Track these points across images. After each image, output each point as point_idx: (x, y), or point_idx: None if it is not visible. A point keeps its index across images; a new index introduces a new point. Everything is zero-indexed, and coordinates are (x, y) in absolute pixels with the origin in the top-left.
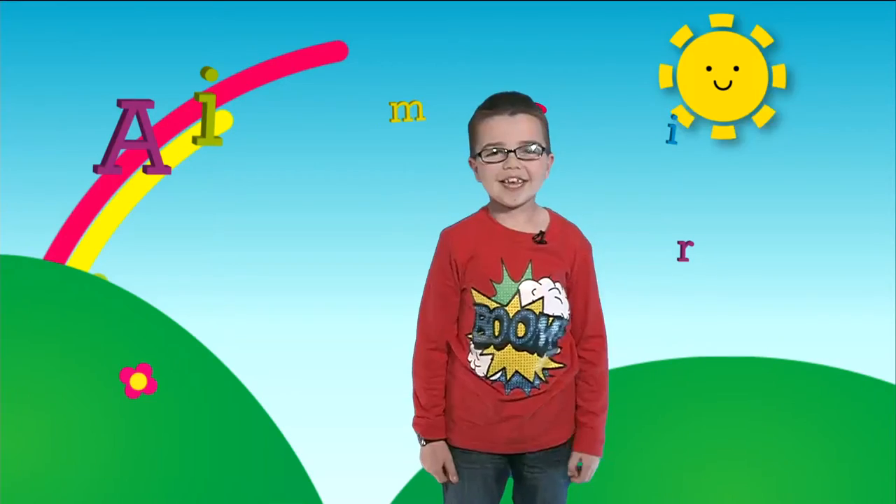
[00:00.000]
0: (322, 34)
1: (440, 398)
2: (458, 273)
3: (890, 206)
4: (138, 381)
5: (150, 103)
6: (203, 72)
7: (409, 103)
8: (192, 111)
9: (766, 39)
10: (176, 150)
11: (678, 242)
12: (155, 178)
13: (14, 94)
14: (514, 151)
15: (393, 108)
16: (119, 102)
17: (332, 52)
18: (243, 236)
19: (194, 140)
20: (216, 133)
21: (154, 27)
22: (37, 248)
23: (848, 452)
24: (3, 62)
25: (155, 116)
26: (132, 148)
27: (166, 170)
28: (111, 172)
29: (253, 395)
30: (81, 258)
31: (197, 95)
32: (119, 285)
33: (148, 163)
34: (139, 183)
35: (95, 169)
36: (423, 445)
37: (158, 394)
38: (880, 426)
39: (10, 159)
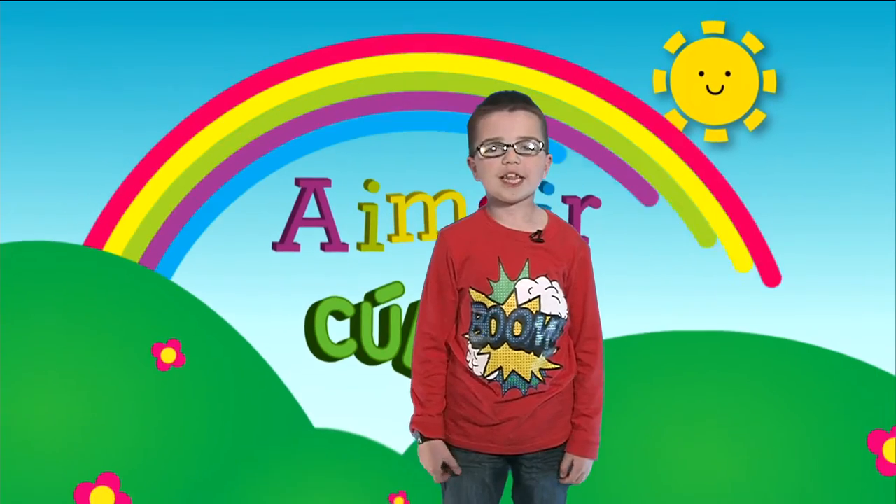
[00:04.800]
0: (322, 35)
1: (438, 397)
2: (454, 272)
3: (883, 206)
4: (168, 356)
5: (327, 182)
6: (366, 184)
7: None
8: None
9: (756, 45)
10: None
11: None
12: (180, 169)
13: (44, 93)
14: (513, 146)
15: None
16: (297, 181)
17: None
18: (263, 225)
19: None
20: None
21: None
22: (77, 235)
23: (812, 419)
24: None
25: (171, 120)
26: (309, 226)
27: (343, 247)
28: (290, 250)
29: (272, 367)
30: (117, 243)
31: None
32: (151, 268)
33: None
34: (167, 172)
35: (275, 246)
36: (420, 443)
37: (187, 367)
38: (840, 395)
39: (54, 156)
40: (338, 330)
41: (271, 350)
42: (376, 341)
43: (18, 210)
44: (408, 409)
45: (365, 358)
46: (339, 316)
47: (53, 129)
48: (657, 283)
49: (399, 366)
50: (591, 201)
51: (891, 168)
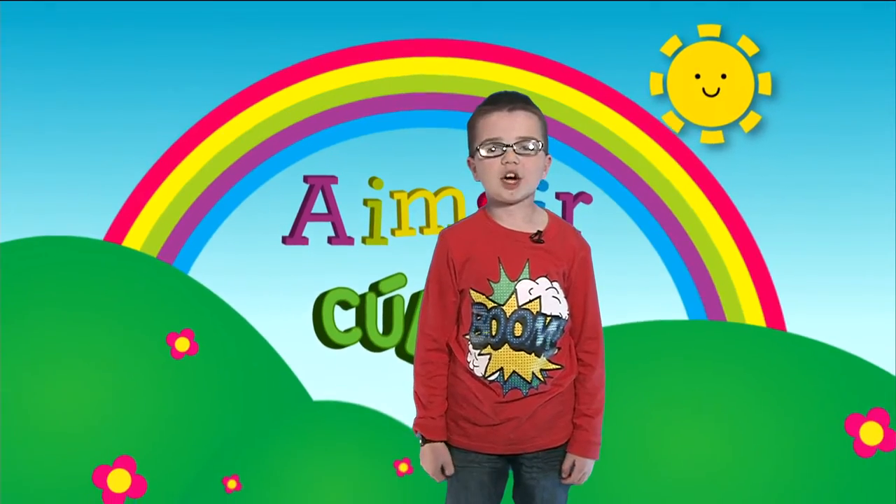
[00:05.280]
0: (327, 41)
1: (440, 399)
2: (455, 273)
3: (878, 206)
4: (182, 345)
5: (333, 179)
6: (371, 181)
7: None
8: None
9: (751, 48)
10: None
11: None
12: (195, 168)
13: (72, 94)
14: (512, 147)
15: None
16: (305, 179)
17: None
18: (273, 220)
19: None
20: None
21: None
22: (98, 230)
23: (792, 404)
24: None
25: (186, 122)
26: (317, 220)
27: (349, 241)
28: (299, 243)
29: (280, 355)
30: (135, 238)
31: (365, 202)
32: (167, 262)
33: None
34: (184, 170)
35: (284, 240)
36: (422, 445)
37: (199, 355)
38: (819, 381)
39: (75, 156)
40: (344, 319)
41: (281, 338)
42: (380, 329)
43: (43, 207)
44: (409, 392)
45: (369, 345)
46: (345, 305)
47: (75, 131)
48: (645, 279)
49: (402, 352)
50: (583, 197)
51: (889, 168)
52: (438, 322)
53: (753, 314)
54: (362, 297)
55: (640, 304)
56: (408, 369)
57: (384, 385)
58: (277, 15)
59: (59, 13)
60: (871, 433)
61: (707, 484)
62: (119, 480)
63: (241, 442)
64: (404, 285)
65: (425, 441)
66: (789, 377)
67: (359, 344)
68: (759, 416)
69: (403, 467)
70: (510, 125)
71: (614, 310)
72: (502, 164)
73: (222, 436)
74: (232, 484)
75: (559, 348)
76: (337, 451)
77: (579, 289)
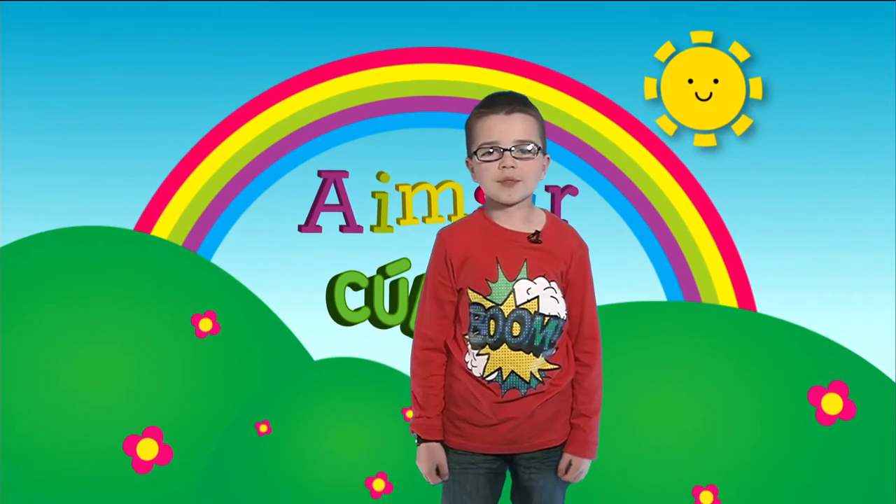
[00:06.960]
0: (339, 48)
1: (438, 398)
2: (453, 273)
3: (861, 207)
4: (205, 325)
5: (345, 174)
6: (378, 175)
7: None
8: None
9: (743, 54)
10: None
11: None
12: (219, 163)
13: (107, 92)
14: (510, 150)
15: None
16: (319, 173)
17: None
18: (290, 210)
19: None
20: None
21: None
22: (128, 221)
23: (760, 377)
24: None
25: (211, 121)
26: (330, 211)
27: (359, 229)
28: (313, 231)
29: (295, 334)
30: (163, 228)
31: (373, 194)
32: (192, 249)
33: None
34: (208, 166)
35: (300, 228)
36: (418, 445)
37: (221, 335)
38: (784, 356)
39: (107, 154)
40: (354, 299)
41: (297, 316)
42: (387, 308)
43: (80, 201)
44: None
45: (377, 323)
46: (355, 287)
47: (109, 132)
48: (627, 264)
49: (406, 330)
50: (570, 190)
51: (875, 169)
52: (435, 322)
53: (726, 296)
54: (370, 279)
55: (623, 286)
56: (411, 343)
57: (390, 358)
58: (295, 25)
59: (103, 17)
60: (832, 404)
61: (682, 449)
62: (147, 449)
63: (259, 413)
64: (408, 269)
65: (421, 441)
66: (757, 352)
67: (367, 322)
68: (730, 388)
69: (410, 414)
70: (507, 128)
71: (599, 292)
72: (500, 167)
73: (241, 408)
74: (263, 428)
75: (557, 348)
76: (351, 398)
77: (577, 289)
